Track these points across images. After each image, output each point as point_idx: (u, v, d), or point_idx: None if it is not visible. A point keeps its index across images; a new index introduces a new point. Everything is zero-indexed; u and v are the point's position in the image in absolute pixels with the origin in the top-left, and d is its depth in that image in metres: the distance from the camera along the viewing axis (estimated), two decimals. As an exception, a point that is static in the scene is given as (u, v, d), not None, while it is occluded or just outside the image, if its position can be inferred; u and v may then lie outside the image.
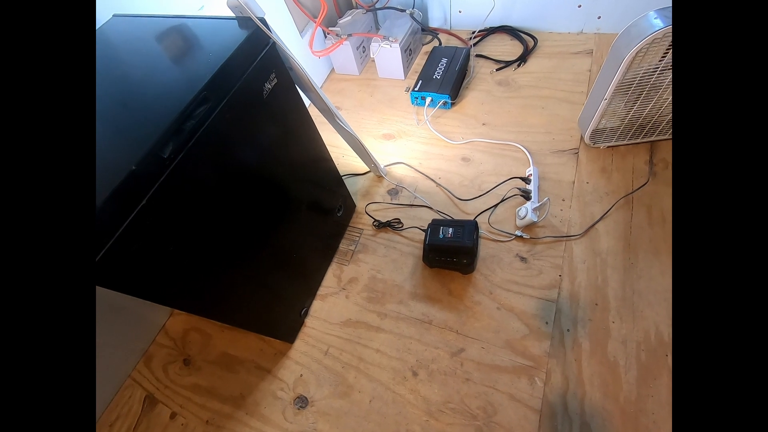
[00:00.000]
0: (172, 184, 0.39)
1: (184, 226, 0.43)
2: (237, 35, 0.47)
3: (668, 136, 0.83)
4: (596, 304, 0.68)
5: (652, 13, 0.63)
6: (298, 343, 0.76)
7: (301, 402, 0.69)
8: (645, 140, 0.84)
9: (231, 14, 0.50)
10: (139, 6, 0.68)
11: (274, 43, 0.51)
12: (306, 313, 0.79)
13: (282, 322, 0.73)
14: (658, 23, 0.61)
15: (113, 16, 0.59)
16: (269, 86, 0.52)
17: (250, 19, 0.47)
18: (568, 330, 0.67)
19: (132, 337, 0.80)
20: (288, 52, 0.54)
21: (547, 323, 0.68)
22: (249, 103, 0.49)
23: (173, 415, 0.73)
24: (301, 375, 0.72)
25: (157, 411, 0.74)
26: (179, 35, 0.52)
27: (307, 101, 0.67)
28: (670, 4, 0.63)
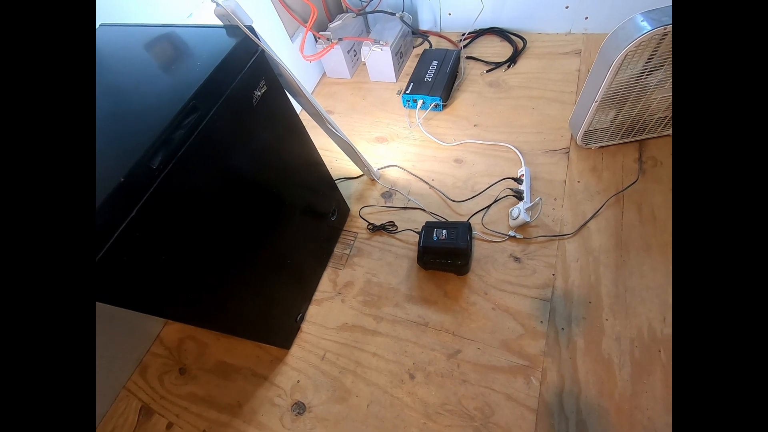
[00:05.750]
0: (162, 194, 0.39)
1: (175, 235, 0.43)
2: (225, 44, 0.47)
3: (656, 134, 0.84)
4: (589, 302, 0.69)
5: (638, 15, 0.64)
6: (295, 349, 0.76)
7: (299, 408, 0.69)
8: (634, 139, 0.85)
9: (219, 23, 0.50)
10: (127, 15, 0.68)
11: (262, 50, 0.51)
12: (302, 319, 0.78)
13: (278, 328, 0.72)
14: (645, 26, 0.62)
15: (101, 25, 0.59)
16: (259, 93, 0.52)
17: (238, 27, 0.47)
18: (562, 329, 0.67)
19: (126, 347, 0.79)
20: (277, 58, 0.54)
21: (541, 322, 0.69)
22: (239, 111, 0.49)
23: (169, 426, 0.72)
24: (298, 381, 0.72)
25: (153, 422, 0.73)
26: (168, 44, 0.52)
27: (298, 107, 0.67)
28: (654, 5, 0.64)
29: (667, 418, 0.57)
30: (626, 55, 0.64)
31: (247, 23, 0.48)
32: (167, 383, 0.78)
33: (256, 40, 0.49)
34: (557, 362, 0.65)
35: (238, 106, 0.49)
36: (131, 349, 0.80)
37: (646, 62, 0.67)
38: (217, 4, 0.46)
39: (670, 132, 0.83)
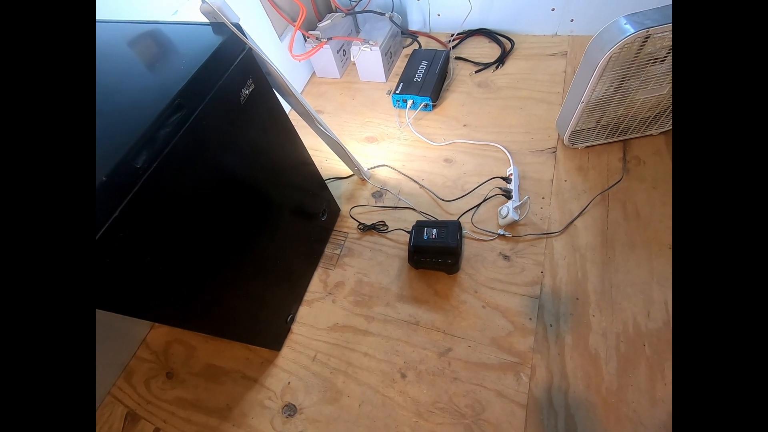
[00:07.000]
0: (146, 194, 0.38)
1: (161, 236, 0.42)
2: (211, 41, 0.46)
3: (640, 134, 0.86)
4: (577, 299, 0.70)
5: (622, 18, 0.66)
6: (285, 351, 0.75)
7: (290, 410, 0.69)
8: (618, 139, 0.87)
9: (205, 20, 0.49)
10: (112, 11, 0.66)
11: (250, 48, 0.50)
12: (292, 320, 0.78)
13: (268, 330, 0.72)
14: (629, 29, 0.63)
15: (81, 21, 0.57)
16: (246, 92, 0.51)
17: (224, 24, 0.47)
18: (551, 325, 0.68)
19: (111, 352, 0.77)
20: (265, 57, 0.54)
21: (530, 319, 0.70)
22: (226, 109, 0.48)
23: (156, 431, 0.71)
24: (289, 383, 0.71)
25: (139, 428, 0.72)
26: (152, 41, 0.51)
27: (287, 106, 0.66)
28: (637, 8, 0.65)
29: (652, 411, 0.58)
30: (610, 56, 0.66)
31: (234, 21, 0.48)
32: (154, 388, 0.76)
33: (243, 37, 0.48)
34: (546, 358, 0.66)
35: (225, 105, 0.48)
36: (116, 353, 0.78)
37: (630, 64, 0.69)
38: (203, 1, 0.46)
39: (653, 132, 0.86)
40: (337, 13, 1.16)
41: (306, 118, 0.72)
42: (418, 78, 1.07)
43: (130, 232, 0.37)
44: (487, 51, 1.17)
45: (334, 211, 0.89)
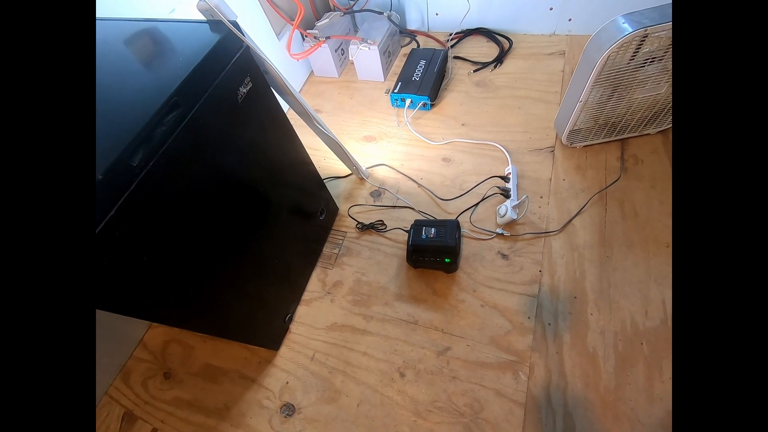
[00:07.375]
0: (142, 192, 0.38)
1: (158, 235, 0.42)
2: (208, 39, 0.46)
3: (638, 133, 0.86)
4: (575, 298, 0.70)
5: (619, 18, 0.66)
6: (284, 350, 0.75)
7: (288, 410, 0.68)
8: (616, 138, 0.87)
9: (202, 18, 0.49)
10: (108, 9, 0.66)
11: (247, 46, 0.50)
12: (291, 319, 0.78)
13: (266, 329, 0.71)
14: (626, 28, 0.64)
15: (77, 19, 0.57)
16: (244, 90, 0.51)
17: (221, 22, 0.47)
18: (549, 324, 0.69)
19: (108, 353, 0.76)
20: (263, 55, 0.54)
21: (529, 318, 0.70)
22: (223, 108, 0.48)
23: (154, 431, 0.70)
24: (287, 382, 0.71)
25: (136, 428, 0.71)
26: (149, 39, 0.50)
27: (285, 105, 0.66)
28: (635, 7, 0.65)
29: (650, 409, 0.59)
30: (608, 56, 0.66)
31: (231, 18, 0.47)
32: (152, 388, 0.76)
33: (240, 35, 0.48)
34: (544, 357, 0.66)
35: (222, 103, 0.48)
36: (113, 353, 0.78)
37: (628, 63, 0.69)
38: (200, -1, 0.45)
39: (650, 131, 0.86)
40: (336, 12, 1.15)
41: (304, 117, 0.72)
42: (416, 77, 1.06)
43: (126, 231, 0.37)
44: (486, 50, 1.17)
45: (332, 211, 0.89)
